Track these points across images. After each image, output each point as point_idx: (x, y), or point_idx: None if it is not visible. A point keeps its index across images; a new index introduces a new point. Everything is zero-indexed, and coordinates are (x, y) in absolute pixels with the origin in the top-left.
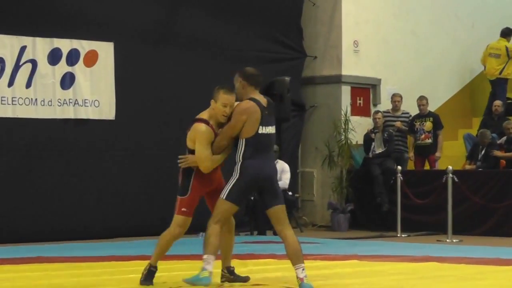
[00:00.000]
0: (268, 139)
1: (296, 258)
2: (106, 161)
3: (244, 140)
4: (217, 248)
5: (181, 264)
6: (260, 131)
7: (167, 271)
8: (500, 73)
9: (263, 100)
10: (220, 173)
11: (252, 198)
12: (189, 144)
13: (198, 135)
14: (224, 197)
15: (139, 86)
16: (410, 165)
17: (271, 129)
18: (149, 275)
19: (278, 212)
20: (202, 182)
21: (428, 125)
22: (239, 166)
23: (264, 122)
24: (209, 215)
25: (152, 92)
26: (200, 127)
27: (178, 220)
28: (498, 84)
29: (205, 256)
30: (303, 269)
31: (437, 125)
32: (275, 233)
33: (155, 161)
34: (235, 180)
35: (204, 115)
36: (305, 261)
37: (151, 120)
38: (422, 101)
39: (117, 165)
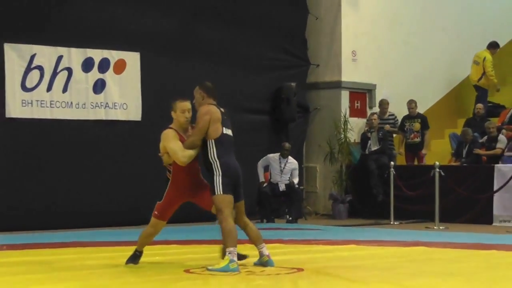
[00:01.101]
0: (231, 139)
1: (259, 239)
2: (133, 157)
3: (212, 141)
4: (236, 239)
5: (200, 248)
6: (224, 132)
7: (183, 254)
8: (479, 80)
9: (219, 108)
10: (202, 179)
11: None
12: (162, 149)
13: (164, 136)
14: (221, 192)
15: (162, 91)
16: (400, 161)
17: (230, 132)
18: (134, 257)
19: (243, 204)
20: (177, 191)
21: (416, 125)
22: (218, 164)
23: (225, 124)
24: None
25: (174, 96)
26: (164, 131)
27: (152, 221)
28: (479, 89)
29: (231, 249)
30: (266, 248)
31: (425, 125)
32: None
33: None
34: (220, 176)
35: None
36: (309, 245)
37: (171, 120)
38: (411, 104)
39: (142, 161)
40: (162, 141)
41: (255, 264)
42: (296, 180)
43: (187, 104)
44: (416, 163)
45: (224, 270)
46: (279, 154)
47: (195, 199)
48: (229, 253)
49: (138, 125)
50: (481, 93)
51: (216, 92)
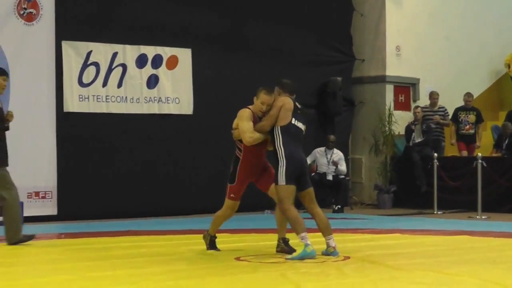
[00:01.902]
0: (299, 131)
1: (327, 230)
2: (185, 149)
3: (279, 128)
4: (304, 224)
5: (250, 236)
6: (293, 122)
7: (233, 243)
8: None
9: (295, 102)
10: (266, 162)
11: None
12: (234, 125)
13: (239, 114)
14: (284, 183)
15: (213, 86)
16: (452, 151)
17: (301, 125)
18: (212, 243)
19: (310, 193)
20: (246, 171)
21: (472, 117)
22: (283, 153)
23: (296, 117)
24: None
25: (224, 91)
26: (242, 109)
27: (228, 204)
28: None
29: (302, 235)
30: (333, 240)
31: (479, 118)
32: (304, 211)
33: (225, 149)
34: (284, 167)
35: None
36: (354, 234)
37: (223, 114)
38: (468, 97)
39: (194, 152)
40: (237, 118)
41: (323, 254)
42: (343, 168)
43: (268, 99)
44: (466, 154)
45: (302, 256)
46: (324, 147)
47: (258, 181)
48: (302, 239)
49: (190, 118)
50: None
51: (293, 88)
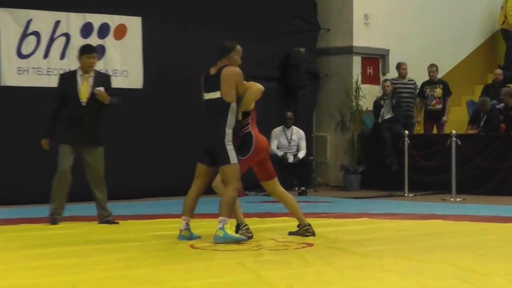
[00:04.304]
0: (208, 103)
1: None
2: (134, 125)
3: (231, 105)
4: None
5: (208, 222)
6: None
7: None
8: (503, 23)
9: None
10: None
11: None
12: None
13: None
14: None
15: (165, 57)
16: (418, 129)
17: (212, 95)
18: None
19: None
20: (259, 149)
21: (438, 91)
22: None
23: (207, 87)
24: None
25: (177, 63)
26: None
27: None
28: (506, 35)
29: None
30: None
31: (447, 91)
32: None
33: (176, 125)
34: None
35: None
36: (319, 218)
37: (176, 89)
38: (432, 68)
39: (143, 129)
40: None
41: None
42: (302, 154)
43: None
44: (435, 131)
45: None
46: (282, 126)
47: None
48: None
49: (139, 93)
50: (507, 35)
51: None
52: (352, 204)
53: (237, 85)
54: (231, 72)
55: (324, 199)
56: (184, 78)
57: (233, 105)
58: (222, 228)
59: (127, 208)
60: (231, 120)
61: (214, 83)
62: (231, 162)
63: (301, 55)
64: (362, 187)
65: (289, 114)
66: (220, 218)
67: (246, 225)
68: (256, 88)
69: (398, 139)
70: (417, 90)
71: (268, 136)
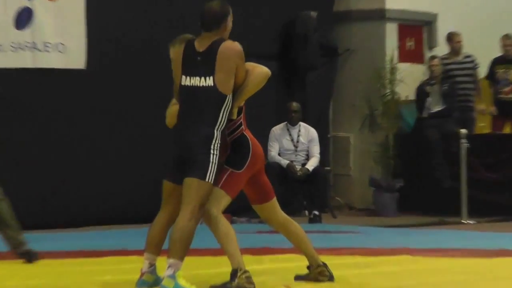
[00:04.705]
0: (192, 92)
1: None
2: (72, 118)
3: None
4: None
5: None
6: (183, 82)
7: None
8: None
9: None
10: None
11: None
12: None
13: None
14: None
15: (117, 28)
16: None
17: (198, 81)
18: None
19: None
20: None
21: None
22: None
23: (192, 70)
24: None
25: (135, 36)
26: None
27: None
28: None
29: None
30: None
31: None
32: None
33: (128, 116)
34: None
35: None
36: (339, 256)
37: (133, 70)
38: (506, 40)
39: (84, 123)
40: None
41: None
42: (314, 163)
43: None
44: (508, 130)
45: None
46: (285, 123)
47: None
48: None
49: (81, 75)
50: None
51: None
52: (387, 235)
53: (237, 70)
54: (231, 51)
55: (347, 228)
56: (145, 56)
57: (229, 97)
58: (172, 276)
59: (60, 241)
60: (223, 118)
61: (204, 64)
62: (207, 179)
63: (311, 21)
64: (400, 210)
65: (295, 105)
66: (171, 260)
67: (246, 271)
68: (259, 72)
69: (452, 141)
70: (476, 71)
71: (264, 139)
